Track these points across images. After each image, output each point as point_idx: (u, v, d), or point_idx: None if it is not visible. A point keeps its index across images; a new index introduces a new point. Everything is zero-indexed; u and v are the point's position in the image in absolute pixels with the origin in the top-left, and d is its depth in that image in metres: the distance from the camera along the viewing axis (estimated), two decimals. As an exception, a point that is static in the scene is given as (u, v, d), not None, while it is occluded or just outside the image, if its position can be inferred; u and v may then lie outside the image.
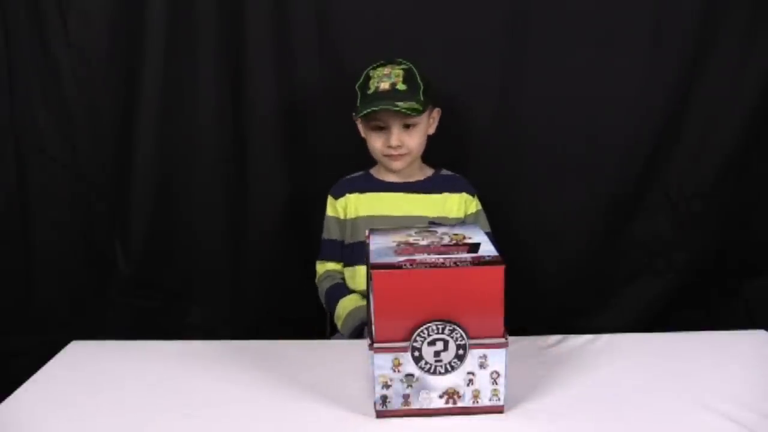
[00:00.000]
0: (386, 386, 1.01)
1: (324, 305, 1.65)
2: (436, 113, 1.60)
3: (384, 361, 1.00)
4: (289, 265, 1.93)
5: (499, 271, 0.99)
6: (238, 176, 1.89)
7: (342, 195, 1.64)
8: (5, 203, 1.88)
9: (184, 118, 1.84)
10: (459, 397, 1.02)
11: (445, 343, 0.99)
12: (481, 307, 0.99)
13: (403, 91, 1.49)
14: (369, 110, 1.48)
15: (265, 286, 1.96)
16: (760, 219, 1.90)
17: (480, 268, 0.99)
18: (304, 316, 1.79)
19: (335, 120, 1.79)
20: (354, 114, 1.55)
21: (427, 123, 1.57)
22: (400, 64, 1.54)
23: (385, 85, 1.49)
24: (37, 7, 1.77)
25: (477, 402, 1.02)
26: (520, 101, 1.83)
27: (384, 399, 1.02)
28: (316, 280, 1.67)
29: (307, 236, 1.80)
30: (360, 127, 1.59)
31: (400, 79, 1.50)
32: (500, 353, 1.01)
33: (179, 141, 1.86)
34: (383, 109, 1.47)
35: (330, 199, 1.65)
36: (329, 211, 1.65)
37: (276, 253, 1.94)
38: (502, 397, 1.03)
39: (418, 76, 1.52)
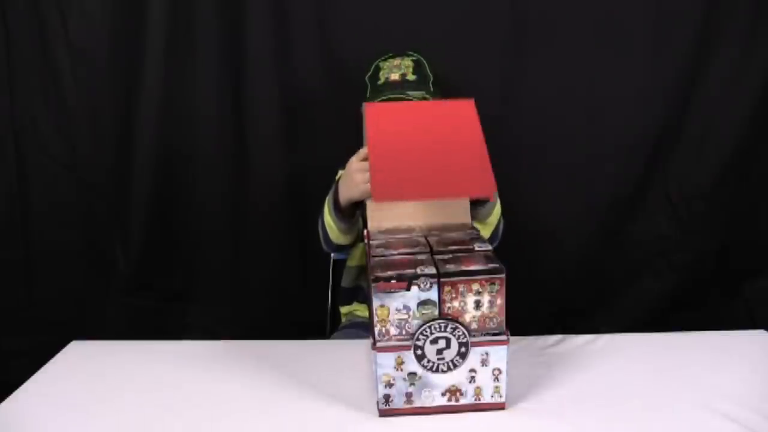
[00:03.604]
0: (389, 385, 1.01)
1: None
2: None
3: (387, 359, 1.00)
4: (290, 265, 1.94)
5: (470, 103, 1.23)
6: (237, 177, 1.89)
7: None
8: (5, 203, 1.88)
9: (184, 119, 1.85)
10: (461, 394, 1.02)
11: (447, 340, 0.99)
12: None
13: (413, 81, 1.49)
14: (379, 99, 1.46)
15: (265, 286, 1.96)
16: (760, 219, 1.90)
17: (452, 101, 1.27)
18: (304, 315, 1.79)
19: (336, 120, 1.79)
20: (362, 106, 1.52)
21: None
22: (409, 55, 1.55)
23: (395, 76, 1.50)
24: (37, 7, 1.77)
25: (479, 399, 1.02)
26: (519, 102, 1.83)
27: (387, 398, 1.02)
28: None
29: (307, 237, 1.80)
30: None
31: (410, 70, 1.51)
32: (501, 350, 1.01)
33: (179, 141, 1.86)
34: (393, 98, 1.45)
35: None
36: None
37: (276, 254, 1.94)
38: (503, 394, 1.03)
39: (427, 67, 1.53)
